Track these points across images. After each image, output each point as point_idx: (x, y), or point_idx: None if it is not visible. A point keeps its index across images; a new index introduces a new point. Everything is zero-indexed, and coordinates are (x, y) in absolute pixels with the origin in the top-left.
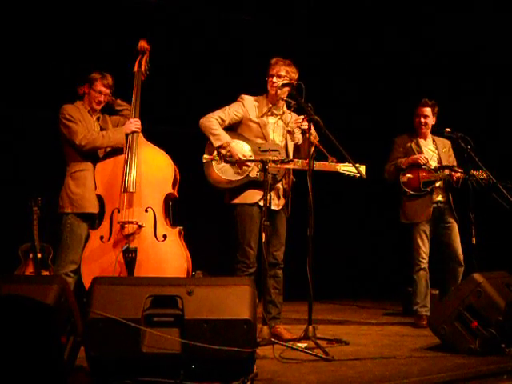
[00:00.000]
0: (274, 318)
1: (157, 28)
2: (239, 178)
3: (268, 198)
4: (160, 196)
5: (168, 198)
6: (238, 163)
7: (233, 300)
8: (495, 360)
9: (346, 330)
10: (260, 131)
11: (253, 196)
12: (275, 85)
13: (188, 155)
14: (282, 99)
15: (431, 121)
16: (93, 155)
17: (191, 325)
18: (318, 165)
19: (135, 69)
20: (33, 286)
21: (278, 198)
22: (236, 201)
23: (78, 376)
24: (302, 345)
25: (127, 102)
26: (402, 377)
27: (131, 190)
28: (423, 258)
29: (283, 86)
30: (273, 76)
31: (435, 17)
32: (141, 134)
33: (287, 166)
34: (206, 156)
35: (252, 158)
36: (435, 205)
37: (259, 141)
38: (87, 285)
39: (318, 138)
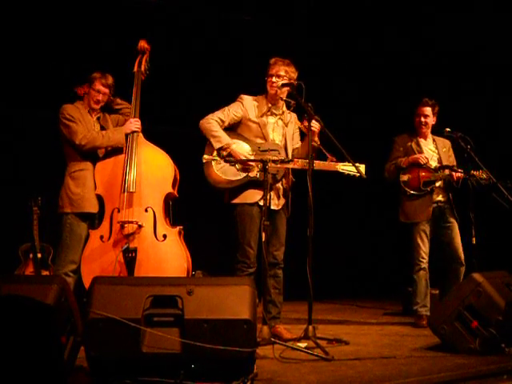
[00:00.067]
0: (274, 318)
1: (157, 28)
2: (239, 177)
3: (268, 197)
4: (160, 196)
5: (168, 198)
6: (238, 163)
7: (233, 300)
8: (495, 360)
9: (346, 330)
10: (260, 131)
11: (253, 196)
12: (274, 85)
13: (188, 155)
14: (282, 99)
15: (431, 120)
16: (93, 155)
17: (191, 325)
18: (318, 164)
19: (135, 69)
20: (33, 285)
21: (278, 197)
22: (236, 201)
23: (78, 376)
24: (302, 345)
25: (127, 102)
26: (402, 376)
27: (131, 190)
28: (423, 258)
29: (283, 85)
30: (272, 76)
31: (435, 17)
32: (141, 134)
33: (287, 166)
34: (205, 156)
35: (252, 158)
36: (435, 204)
37: (259, 141)
38: (87, 285)
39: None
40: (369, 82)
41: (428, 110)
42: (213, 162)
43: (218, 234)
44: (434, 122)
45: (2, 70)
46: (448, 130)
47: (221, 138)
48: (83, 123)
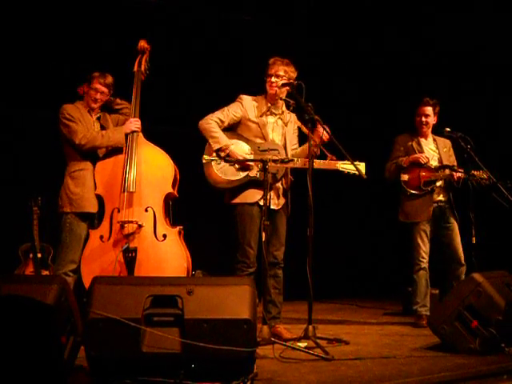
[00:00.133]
0: (273, 318)
1: (157, 28)
2: (239, 177)
3: (268, 197)
4: (160, 195)
5: (168, 198)
6: (238, 163)
7: (233, 300)
8: (495, 360)
9: (346, 330)
10: (259, 131)
11: (253, 195)
12: (274, 84)
13: (188, 155)
14: (281, 99)
15: (432, 120)
16: (92, 155)
17: (191, 324)
18: (318, 163)
19: (135, 68)
20: (33, 285)
21: (278, 197)
22: (236, 200)
23: (78, 376)
24: (302, 344)
25: (127, 102)
26: (402, 376)
27: (131, 190)
28: (423, 258)
29: (283, 85)
30: (271, 76)
31: (435, 17)
32: (141, 134)
33: (287, 165)
34: (205, 157)
35: (252, 158)
36: (436, 204)
37: (258, 140)
38: (87, 284)
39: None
40: (369, 81)
41: (429, 110)
42: (213, 163)
43: (218, 234)
44: (434, 122)
45: (2, 70)
46: (448, 129)
47: (219, 139)
48: (83, 123)
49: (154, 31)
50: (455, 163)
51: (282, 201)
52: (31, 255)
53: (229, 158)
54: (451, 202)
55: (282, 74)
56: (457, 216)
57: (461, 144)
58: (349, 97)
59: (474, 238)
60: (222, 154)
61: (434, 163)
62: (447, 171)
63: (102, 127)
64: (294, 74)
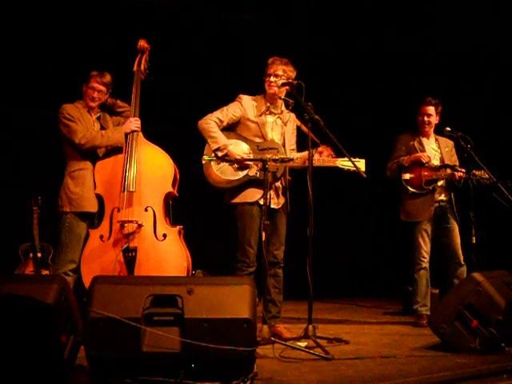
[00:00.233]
0: (273, 317)
1: (157, 28)
2: (238, 177)
3: (268, 196)
4: (160, 195)
5: (168, 197)
6: (237, 162)
7: (233, 299)
8: (495, 359)
9: (346, 329)
10: (259, 130)
11: (253, 195)
12: (273, 84)
13: (188, 155)
14: (280, 98)
15: (434, 120)
16: (92, 154)
17: (191, 324)
18: (318, 160)
19: (135, 68)
20: (33, 285)
21: (278, 196)
22: (236, 200)
23: (78, 375)
24: (302, 344)
25: (127, 102)
26: (402, 376)
27: (131, 189)
28: (424, 258)
29: (283, 85)
30: (270, 75)
31: (435, 17)
32: (140, 133)
33: (287, 164)
34: (205, 157)
35: (251, 157)
36: (437, 204)
37: (258, 140)
38: (87, 284)
39: None
40: (369, 81)
41: (431, 109)
42: (212, 163)
43: (218, 234)
44: (437, 122)
45: (2, 69)
46: (448, 129)
47: (218, 139)
48: (83, 122)
49: (154, 31)
50: (457, 163)
51: (282, 200)
52: (31, 255)
53: (227, 158)
54: (452, 201)
55: (280, 73)
56: (457, 216)
57: (461, 143)
58: (349, 97)
59: (473, 238)
60: (220, 154)
61: (435, 163)
62: (448, 171)
63: (102, 127)
64: (292, 74)
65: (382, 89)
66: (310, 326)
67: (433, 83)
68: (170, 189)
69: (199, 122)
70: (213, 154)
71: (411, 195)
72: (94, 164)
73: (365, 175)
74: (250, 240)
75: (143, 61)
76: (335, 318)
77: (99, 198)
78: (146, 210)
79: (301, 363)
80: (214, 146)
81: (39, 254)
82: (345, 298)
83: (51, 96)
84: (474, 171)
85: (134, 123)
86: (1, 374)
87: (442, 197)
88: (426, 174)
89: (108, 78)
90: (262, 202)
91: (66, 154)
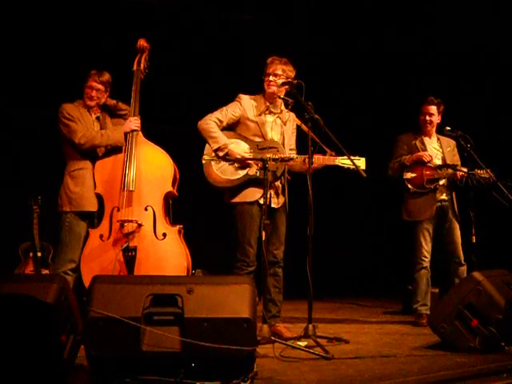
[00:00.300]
0: (273, 317)
1: (157, 28)
2: (238, 176)
3: (268, 196)
4: (160, 194)
5: (168, 197)
6: (237, 162)
7: (233, 298)
8: (495, 358)
9: (346, 329)
10: (258, 130)
11: (253, 194)
12: (272, 83)
13: (188, 155)
14: (280, 97)
15: (436, 119)
16: (92, 154)
17: (191, 323)
18: (317, 159)
19: (134, 67)
20: (33, 284)
21: (278, 196)
22: (236, 199)
23: (78, 375)
24: (302, 343)
25: (127, 102)
26: (402, 375)
27: (131, 189)
28: (425, 257)
29: (283, 84)
30: (269, 75)
31: (435, 17)
32: (140, 133)
33: (287, 163)
34: (205, 156)
35: (251, 157)
36: (439, 203)
37: (257, 139)
38: (87, 283)
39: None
40: (369, 81)
41: (433, 109)
42: (212, 162)
43: (218, 234)
44: (439, 121)
45: (2, 69)
46: (448, 128)
47: (218, 139)
48: (82, 122)
49: (154, 31)
50: (459, 163)
51: (282, 199)
52: (31, 254)
53: (228, 157)
54: (454, 201)
55: (279, 72)
56: (458, 216)
57: (461, 143)
58: (349, 97)
59: (474, 237)
60: (221, 154)
61: (437, 162)
62: (450, 170)
63: (101, 127)
64: (292, 73)
65: (382, 89)
66: (310, 326)
67: (433, 83)
68: (170, 188)
69: (199, 122)
70: (213, 154)
71: (413, 194)
72: (93, 163)
73: (364, 174)
74: (249, 239)
75: (143, 60)
76: (335, 317)
77: (99, 197)
78: (145, 209)
79: (301, 362)
80: (215, 146)
81: (39, 254)
82: (345, 298)
83: (51, 96)
84: (476, 170)
85: (134, 123)
86: (1, 373)
87: (444, 196)
88: (427, 173)
89: (106, 76)
90: (261, 201)
91: (66, 154)
